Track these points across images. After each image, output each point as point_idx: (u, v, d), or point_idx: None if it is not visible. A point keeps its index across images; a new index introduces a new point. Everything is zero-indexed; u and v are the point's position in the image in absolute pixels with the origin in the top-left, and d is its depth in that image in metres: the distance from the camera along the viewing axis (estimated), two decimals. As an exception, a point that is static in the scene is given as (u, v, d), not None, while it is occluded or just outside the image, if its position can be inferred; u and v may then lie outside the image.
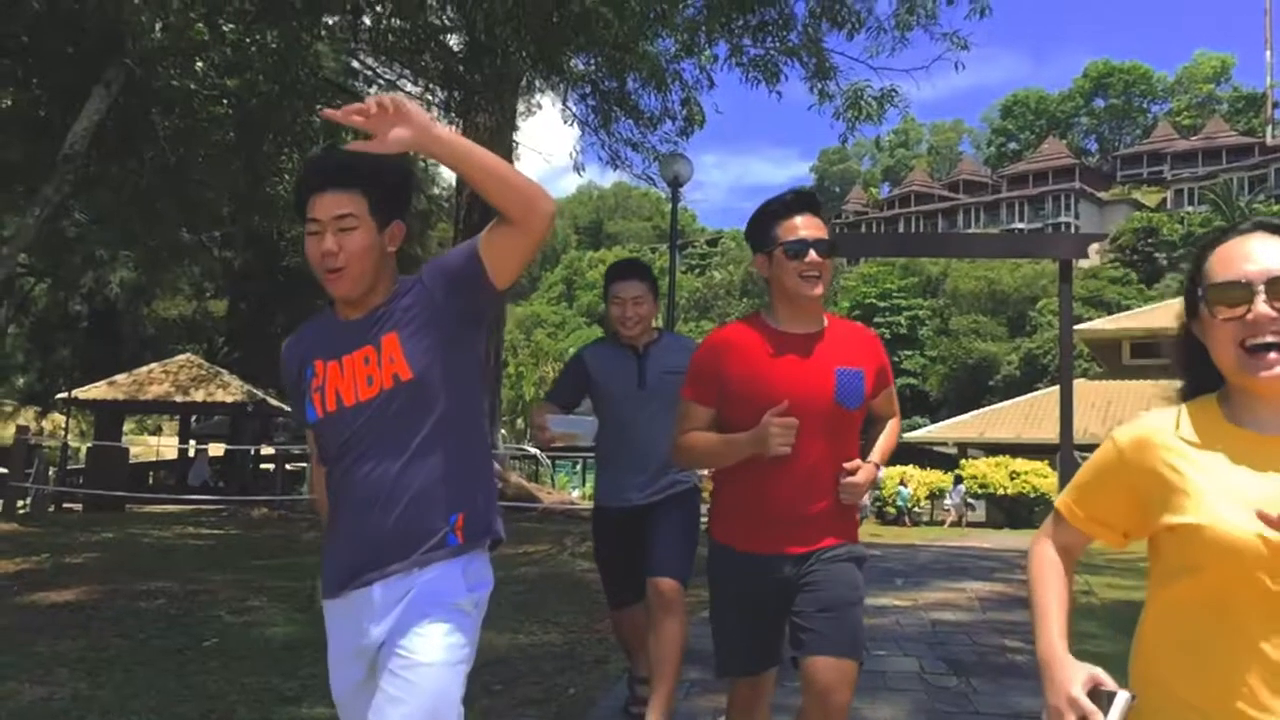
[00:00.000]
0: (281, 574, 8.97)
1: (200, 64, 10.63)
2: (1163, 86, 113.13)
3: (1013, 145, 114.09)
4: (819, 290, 2.93)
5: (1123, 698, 1.55)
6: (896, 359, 70.08)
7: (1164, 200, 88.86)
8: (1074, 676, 1.62)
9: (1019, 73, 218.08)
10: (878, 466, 3.09)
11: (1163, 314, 37.96)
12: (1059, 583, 1.86)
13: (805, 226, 2.95)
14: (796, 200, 3.02)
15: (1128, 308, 52.95)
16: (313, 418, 2.33)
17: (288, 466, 29.13)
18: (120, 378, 25.59)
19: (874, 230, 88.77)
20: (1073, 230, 74.74)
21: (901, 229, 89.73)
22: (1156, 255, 73.37)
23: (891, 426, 3.26)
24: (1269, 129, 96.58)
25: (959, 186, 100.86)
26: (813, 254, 2.92)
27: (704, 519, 3.99)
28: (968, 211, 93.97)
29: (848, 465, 2.95)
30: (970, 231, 77.43)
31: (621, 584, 4.47)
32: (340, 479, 2.30)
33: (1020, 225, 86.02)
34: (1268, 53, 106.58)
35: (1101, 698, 1.57)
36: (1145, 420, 1.71)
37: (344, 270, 2.24)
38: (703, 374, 3.04)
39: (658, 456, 4.08)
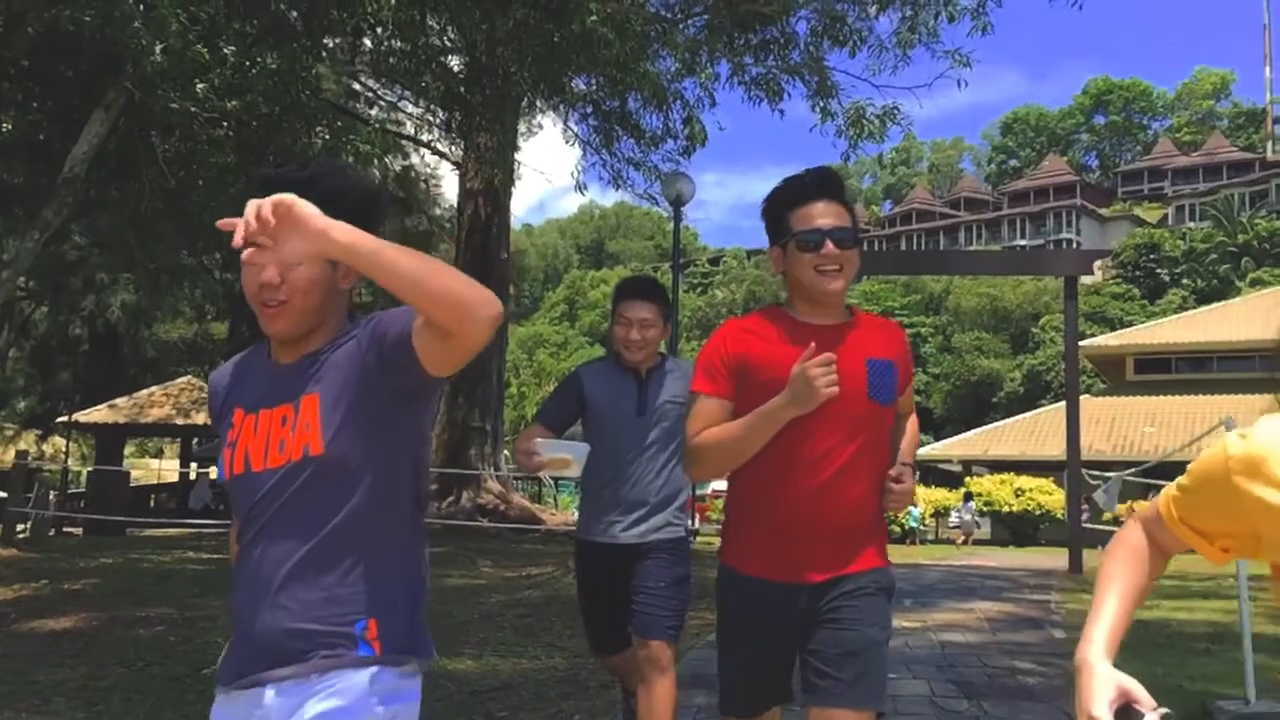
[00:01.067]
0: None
1: (200, 86, 10.60)
2: (1163, 103, 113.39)
3: (1013, 162, 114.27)
4: (838, 285, 2.55)
5: (1154, 718, 1.33)
6: (899, 377, 69.74)
7: (1165, 216, 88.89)
8: (1101, 691, 1.38)
9: (1019, 90, 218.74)
10: (914, 470, 2.71)
11: (1166, 330, 37.93)
12: (1132, 576, 1.56)
13: (823, 214, 2.55)
14: (814, 183, 2.61)
15: (1130, 324, 52.90)
16: (221, 476, 2.00)
17: (289, 489, 29.01)
18: (121, 401, 25.56)
19: (876, 248, 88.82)
20: (1075, 247, 74.77)
21: (903, 246, 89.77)
22: (1158, 271, 73.30)
23: (912, 425, 2.88)
24: (1269, 144, 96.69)
25: (960, 204, 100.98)
26: (830, 246, 2.52)
27: (692, 537, 3.92)
28: (969, 229, 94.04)
29: (892, 473, 2.59)
30: (975, 249, 77.46)
31: (603, 630, 4.13)
32: (242, 554, 1.95)
33: (1022, 242, 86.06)
34: (1267, 69, 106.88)
35: (1132, 716, 1.36)
36: (1265, 433, 1.38)
37: (285, 305, 1.90)
38: (718, 361, 2.60)
39: (652, 491, 3.89)
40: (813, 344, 2.37)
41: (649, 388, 3.96)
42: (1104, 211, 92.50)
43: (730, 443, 2.53)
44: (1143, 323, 48.72)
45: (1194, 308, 50.48)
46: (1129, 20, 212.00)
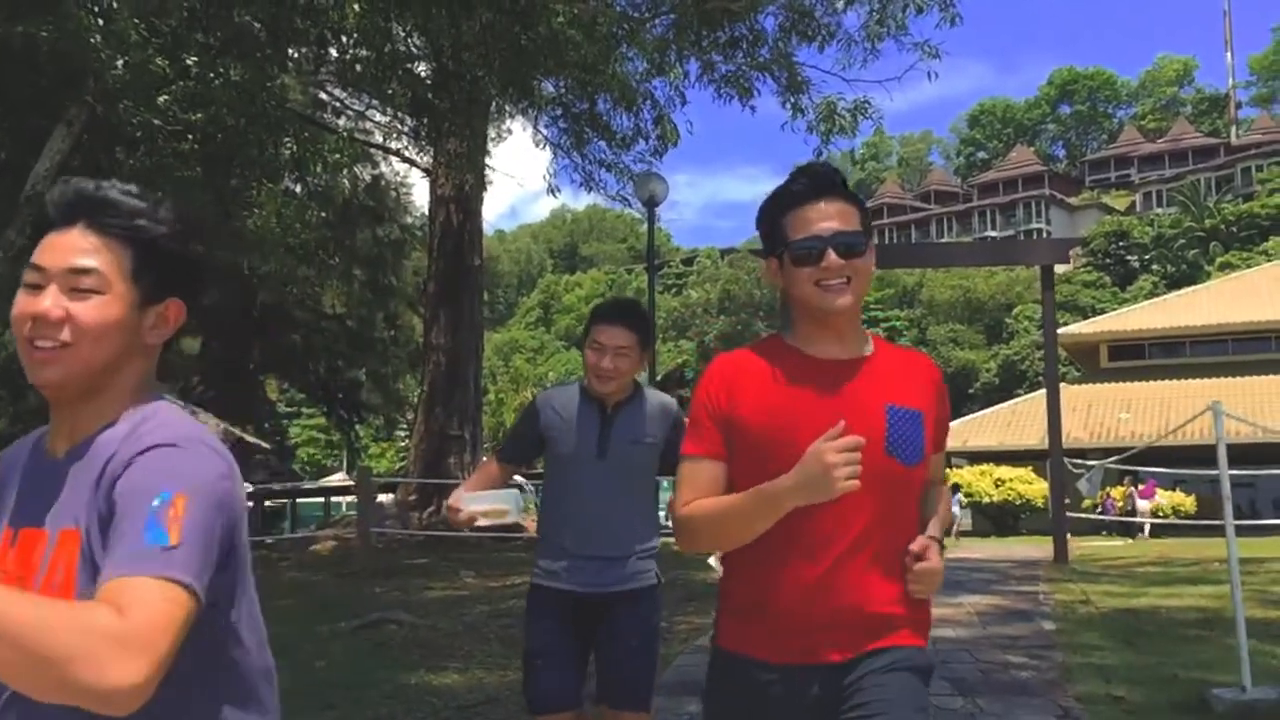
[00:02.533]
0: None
1: (162, 98, 10.43)
2: (1127, 91, 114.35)
3: (981, 154, 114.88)
4: (846, 301, 2.09)
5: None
6: (876, 371, 69.97)
7: (1133, 203, 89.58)
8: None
9: (985, 82, 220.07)
10: (941, 545, 2.19)
11: (1139, 316, 38.16)
12: None
13: (823, 217, 2.11)
14: (810, 182, 2.16)
15: (1102, 311, 53.22)
16: None
17: (266, 504, 28.83)
18: (94, 421, 25.17)
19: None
20: (1045, 236, 75.25)
21: (876, 241, 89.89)
22: (1128, 258, 73.88)
23: (944, 496, 2.35)
24: (1233, 129, 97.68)
25: (930, 197, 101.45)
26: (832, 255, 2.07)
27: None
28: (940, 221, 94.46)
29: (914, 547, 2.09)
30: (948, 241, 77.80)
31: (552, 687, 3.46)
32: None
33: (992, 233, 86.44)
34: (1228, 54, 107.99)
35: None
36: None
37: (68, 349, 1.43)
38: (704, 414, 2.14)
39: (616, 538, 3.45)
40: (842, 423, 1.94)
41: (615, 425, 3.46)
42: (1072, 200, 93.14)
43: (723, 523, 2.09)
44: (1115, 310, 49.05)
45: (1165, 293, 50.80)
46: (1091, 10, 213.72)
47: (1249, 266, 51.02)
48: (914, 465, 2.10)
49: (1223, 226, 72.05)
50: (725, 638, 2.20)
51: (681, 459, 2.18)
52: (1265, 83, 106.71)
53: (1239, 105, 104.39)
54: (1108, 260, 73.89)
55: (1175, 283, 61.61)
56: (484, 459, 3.69)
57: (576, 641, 3.48)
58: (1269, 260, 51.49)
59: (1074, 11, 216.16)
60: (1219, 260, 66.76)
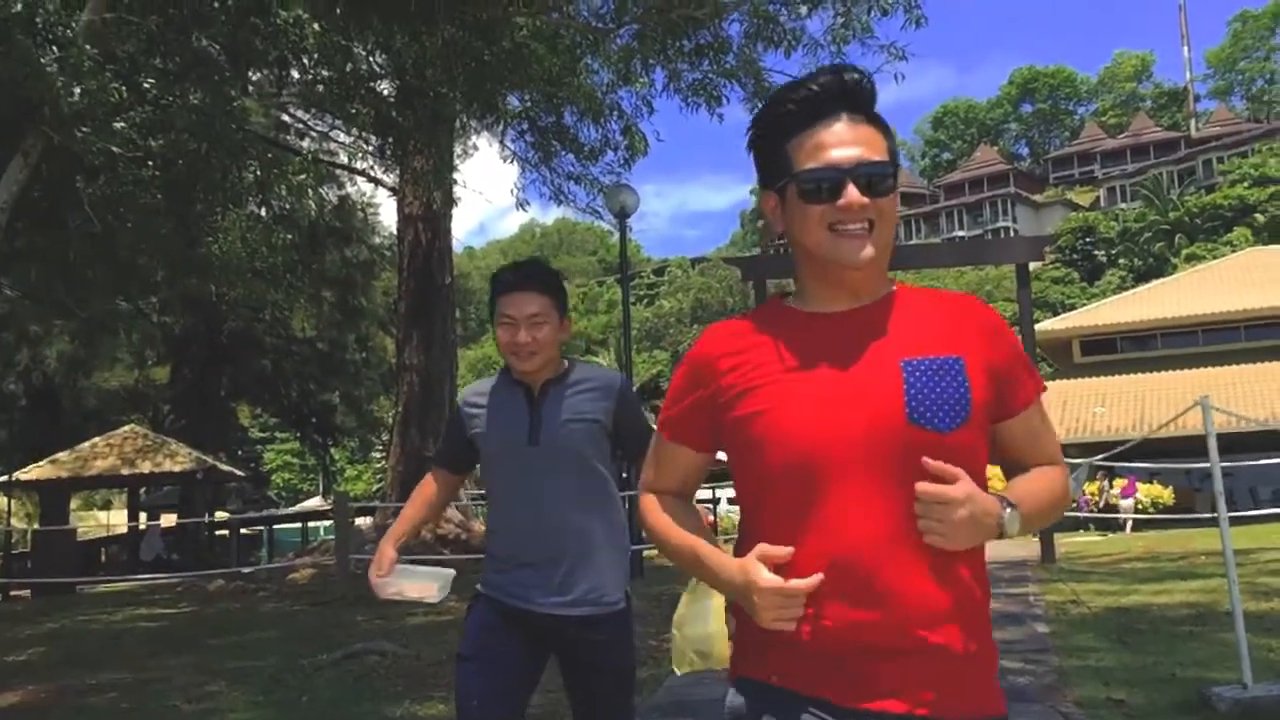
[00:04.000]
0: (240, 653, 8.53)
1: (120, 125, 10.22)
2: (1087, 88, 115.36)
3: (946, 155, 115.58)
4: (867, 253, 1.62)
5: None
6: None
7: (1097, 199, 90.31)
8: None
9: (946, 84, 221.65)
10: (1007, 504, 1.57)
11: (1109, 310, 38.39)
12: None
13: (841, 141, 1.62)
14: (828, 89, 1.65)
15: (1072, 307, 53.55)
16: None
17: (243, 531, 28.47)
18: (63, 455, 24.82)
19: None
20: (1012, 234, 75.73)
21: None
22: (1095, 253, 74.53)
23: (1050, 475, 1.72)
24: (1192, 122, 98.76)
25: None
26: (853, 191, 1.60)
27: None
28: (908, 223, 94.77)
29: (930, 464, 1.51)
30: (919, 242, 78.16)
31: (478, 694, 2.92)
32: None
33: (960, 233, 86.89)
34: (1185, 48, 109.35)
35: None
36: None
37: None
38: (685, 387, 1.77)
39: (568, 542, 2.92)
40: (787, 550, 1.55)
41: (546, 406, 2.97)
42: (1038, 198, 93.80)
43: (672, 553, 1.79)
44: (1084, 305, 49.33)
45: (1133, 286, 51.15)
46: (1048, 8, 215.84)
47: (1215, 257, 51.50)
48: (954, 429, 1.56)
49: (1187, 219, 72.71)
50: (752, 666, 1.69)
51: (654, 436, 1.86)
52: (1222, 75, 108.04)
53: (1197, 98, 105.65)
54: (1075, 256, 74.48)
55: (1143, 276, 62.15)
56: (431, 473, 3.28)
57: (520, 647, 2.93)
58: (1234, 250, 51.97)
59: (1032, 11, 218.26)
60: (1185, 252, 67.35)
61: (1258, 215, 67.93)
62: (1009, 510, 1.57)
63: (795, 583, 1.52)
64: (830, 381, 1.60)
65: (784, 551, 1.54)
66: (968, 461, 1.55)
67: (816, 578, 1.52)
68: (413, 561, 3.25)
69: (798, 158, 1.64)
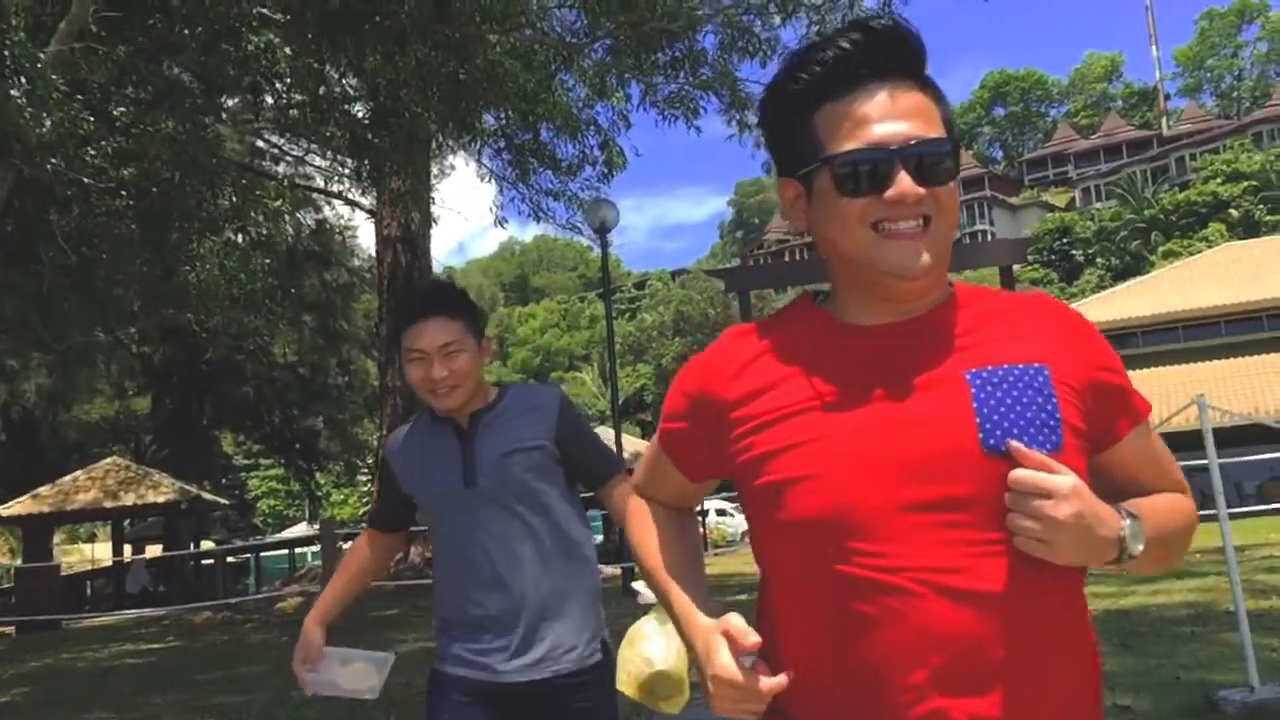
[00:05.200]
0: (229, 688, 8.38)
1: (91, 155, 10.10)
2: (1058, 90, 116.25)
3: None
4: (925, 260, 1.28)
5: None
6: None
7: (1072, 199, 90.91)
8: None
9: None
10: (1127, 513, 1.24)
11: (1088, 309, 38.51)
12: None
13: (887, 114, 1.27)
14: (860, 50, 1.28)
15: (1053, 307, 53.66)
16: None
17: (229, 560, 28.24)
18: (44, 489, 24.54)
19: (798, 257, 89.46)
20: (989, 237, 76.15)
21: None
22: (1073, 253, 74.97)
23: (1176, 500, 1.39)
24: (1163, 120, 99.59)
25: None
26: (904, 179, 1.26)
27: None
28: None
29: (1018, 443, 1.21)
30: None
31: None
32: None
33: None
34: (1154, 48, 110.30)
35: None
36: None
37: None
38: (685, 415, 1.45)
39: (516, 597, 2.51)
40: (752, 640, 1.26)
41: (478, 441, 2.59)
42: (1013, 200, 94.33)
43: (646, 579, 1.52)
44: (1065, 305, 49.47)
45: (1111, 285, 51.41)
46: (1017, 11, 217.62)
47: (1191, 254, 51.81)
48: (1049, 454, 1.20)
49: (1162, 216, 73.20)
50: (798, 708, 1.33)
51: (650, 446, 1.59)
52: (1191, 73, 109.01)
53: (1167, 97, 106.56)
54: (1053, 256, 74.89)
55: (1120, 274, 62.48)
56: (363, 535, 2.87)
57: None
58: (1210, 246, 52.31)
59: (1001, 15, 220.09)
60: (1161, 249, 67.77)
61: (1232, 210, 68.44)
62: (1129, 521, 1.22)
63: (765, 682, 1.24)
64: (877, 409, 1.26)
65: (749, 642, 1.25)
66: None
67: (781, 679, 1.25)
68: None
69: (830, 137, 1.28)
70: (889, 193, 1.25)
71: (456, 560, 2.59)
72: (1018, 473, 1.18)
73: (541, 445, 2.58)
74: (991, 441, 1.21)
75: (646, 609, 2.22)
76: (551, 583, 2.55)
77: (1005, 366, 1.27)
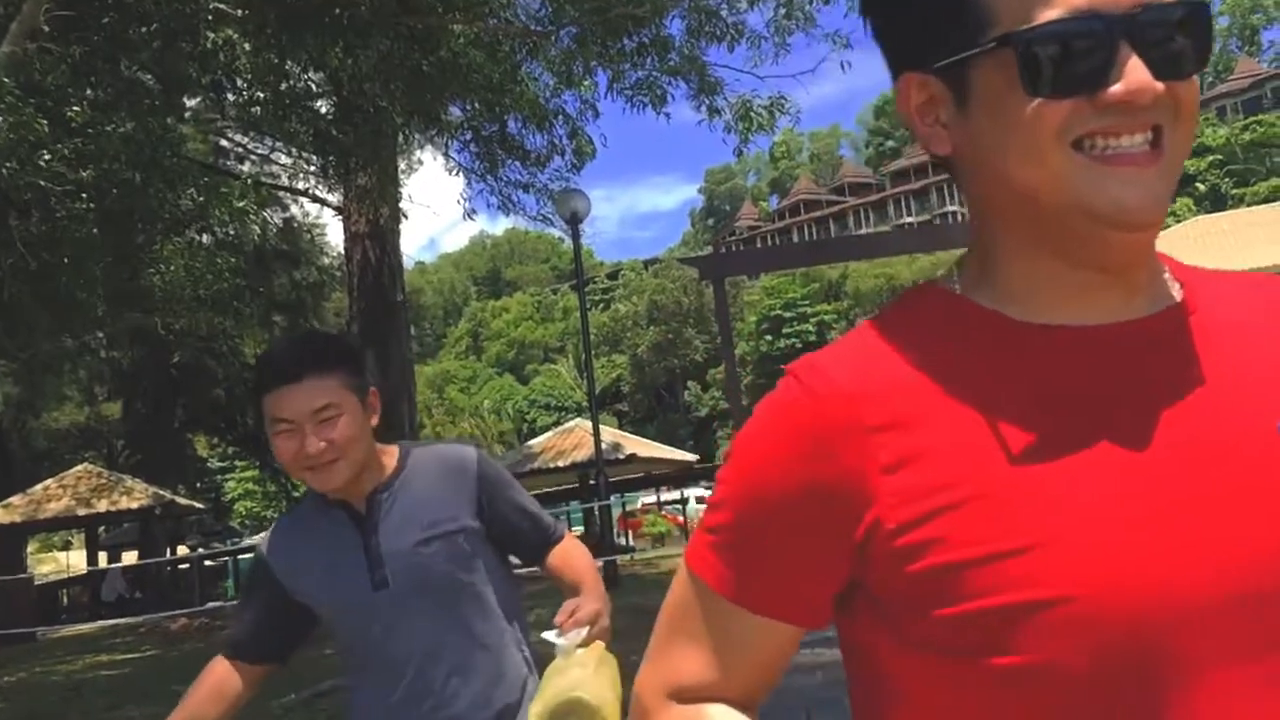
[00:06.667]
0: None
1: (47, 158, 9.90)
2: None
3: (890, 143, 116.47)
4: (1158, 192, 0.81)
5: None
6: (809, 366, 70.80)
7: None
8: None
9: (885, 74, 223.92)
10: None
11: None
12: None
13: None
14: None
15: (1025, 286, 54.04)
16: None
17: (207, 563, 28.01)
18: (15, 499, 24.27)
19: (770, 243, 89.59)
20: (960, 219, 76.44)
21: (795, 238, 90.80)
22: (1042, 231, 75.52)
23: None
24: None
25: (844, 189, 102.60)
26: (1135, 67, 0.76)
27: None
28: (857, 213, 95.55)
29: None
30: (867, 232, 78.71)
31: None
32: None
33: (909, 219, 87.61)
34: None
35: None
36: None
37: None
38: (794, 504, 0.83)
39: (461, 703, 2.05)
40: None
41: (382, 529, 2.04)
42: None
43: None
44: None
45: (1083, 262, 51.78)
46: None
47: (1162, 229, 52.14)
48: None
49: (1129, 191, 73.74)
50: None
51: (688, 574, 0.90)
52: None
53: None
54: (1024, 235, 75.45)
55: (1091, 251, 62.91)
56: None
57: None
58: (1178, 220, 52.62)
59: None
60: (1130, 225, 68.29)
61: (1198, 184, 69.03)
62: None
63: None
64: (1136, 475, 0.76)
65: None
66: None
67: None
68: None
69: (1006, 2, 0.79)
70: (1112, 89, 0.77)
71: (376, 680, 2.07)
72: None
73: (464, 527, 2.06)
74: None
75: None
76: (505, 693, 2.08)
77: None
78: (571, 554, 2.21)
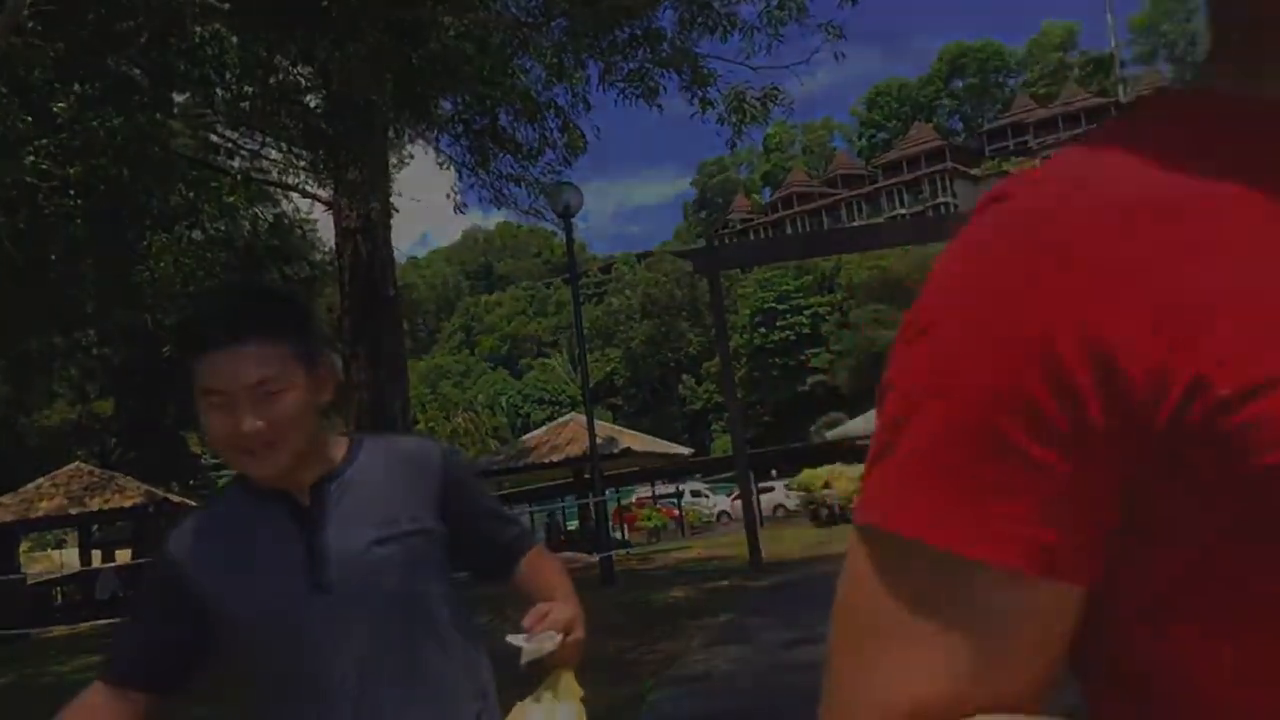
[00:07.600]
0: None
1: (32, 155, 9.80)
2: (1016, 60, 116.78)
3: (882, 135, 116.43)
4: None
5: None
6: (803, 358, 71.25)
7: (1034, 168, 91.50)
8: None
9: (876, 65, 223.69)
10: None
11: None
12: None
13: None
14: None
15: (1018, 277, 54.08)
16: None
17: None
18: (7, 498, 24.16)
19: (764, 235, 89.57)
20: (953, 209, 76.48)
21: (788, 230, 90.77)
22: (1036, 222, 75.53)
23: None
24: (1120, 88, 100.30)
25: (837, 182, 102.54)
26: None
27: None
28: (849, 205, 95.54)
29: None
30: (862, 223, 78.70)
31: None
32: None
33: (902, 211, 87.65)
34: (1109, 16, 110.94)
35: None
36: None
37: None
38: (1037, 418, 0.51)
39: None
40: None
41: (329, 523, 1.68)
42: (975, 171, 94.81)
43: None
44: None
45: (1076, 253, 51.84)
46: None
47: (1153, 219, 52.24)
48: None
49: (1122, 182, 73.85)
50: None
51: (886, 542, 0.56)
52: (1146, 40, 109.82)
53: (1123, 64, 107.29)
54: (1016, 226, 75.46)
55: (1084, 242, 62.99)
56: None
57: None
58: None
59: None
60: (1123, 215, 68.41)
61: None
62: None
63: None
64: None
65: None
66: None
67: None
68: None
69: None
70: None
71: (294, 713, 1.66)
72: None
73: (425, 528, 1.72)
74: None
75: (531, 663, 1.67)
76: (445, 688, 1.73)
77: None
78: (544, 563, 1.92)
